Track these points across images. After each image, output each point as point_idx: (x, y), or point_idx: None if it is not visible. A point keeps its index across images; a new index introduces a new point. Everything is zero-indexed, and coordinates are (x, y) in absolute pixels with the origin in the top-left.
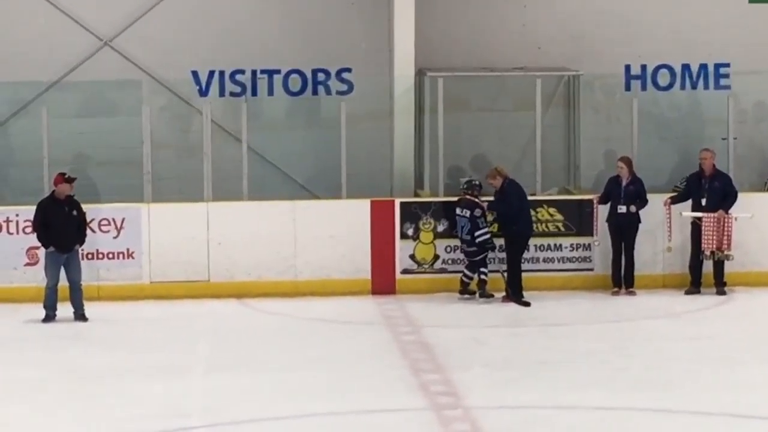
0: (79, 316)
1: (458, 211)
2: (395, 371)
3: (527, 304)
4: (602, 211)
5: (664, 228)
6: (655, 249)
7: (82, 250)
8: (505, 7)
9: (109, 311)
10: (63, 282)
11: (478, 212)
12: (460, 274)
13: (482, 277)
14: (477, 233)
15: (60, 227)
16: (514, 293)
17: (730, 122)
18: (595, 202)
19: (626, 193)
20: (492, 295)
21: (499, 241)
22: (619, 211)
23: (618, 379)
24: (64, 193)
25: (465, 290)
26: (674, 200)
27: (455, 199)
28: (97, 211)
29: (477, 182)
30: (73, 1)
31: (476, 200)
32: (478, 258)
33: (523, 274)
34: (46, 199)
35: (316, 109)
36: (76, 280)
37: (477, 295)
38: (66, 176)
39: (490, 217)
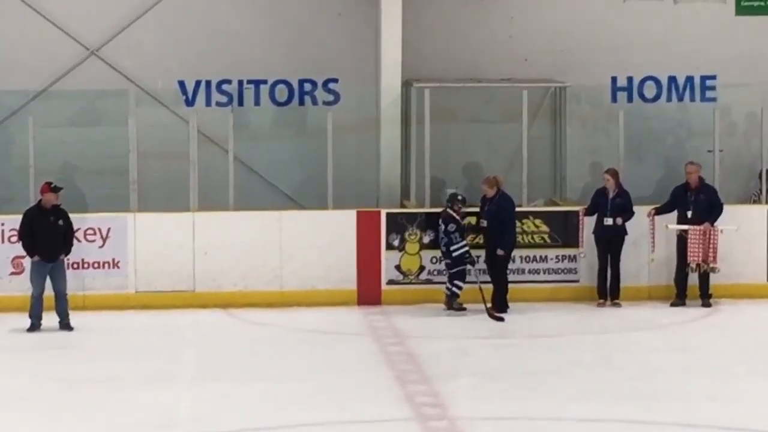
0: (64, 325)
1: (439, 223)
2: (381, 382)
3: (501, 320)
4: (588, 223)
5: (647, 239)
6: (641, 261)
7: (68, 259)
8: (492, 18)
9: (94, 321)
10: (49, 291)
11: (452, 227)
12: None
13: (454, 290)
14: (452, 248)
15: (45, 236)
16: (500, 305)
17: (716, 134)
18: (581, 213)
19: (613, 206)
20: (463, 308)
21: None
22: (605, 223)
23: (604, 391)
24: (50, 202)
25: (451, 303)
26: (658, 211)
27: (440, 210)
28: (83, 221)
29: (460, 197)
30: (61, 10)
31: (453, 215)
32: (452, 271)
33: (509, 286)
34: (32, 208)
35: (302, 120)
36: (61, 290)
37: (446, 307)
38: (52, 185)
39: (468, 235)
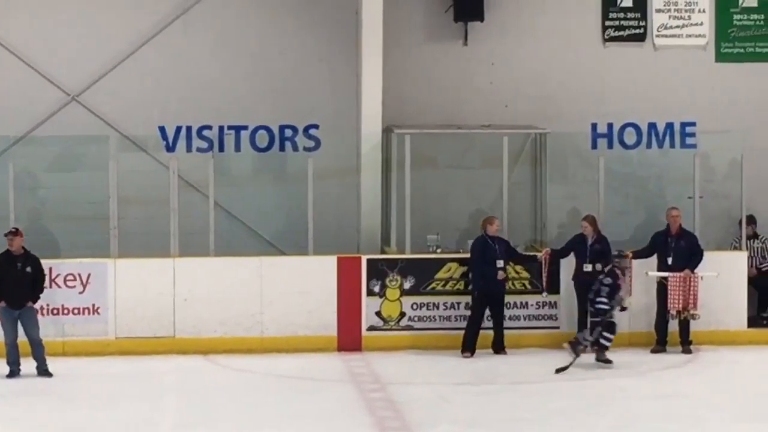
0: (43, 371)
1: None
2: (361, 429)
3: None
4: (564, 267)
5: (625, 282)
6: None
7: (47, 305)
8: (473, 64)
9: (74, 367)
10: (25, 337)
11: (607, 281)
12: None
13: (601, 341)
14: (597, 299)
15: (11, 283)
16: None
17: (696, 181)
18: (544, 256)
19: (592, 252)
20: (609, 361)
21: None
22: (584, 269)
23: None
24: (17, 246)
25: (600, 356)
26: (636, 254)
27: (427, 256)
28: (63, 266)
29: (616, 252)
30: (41, 56)
31: (616, 271)
32: (598, 320)
33: (488, 332)
34: (1, 254)
35: (283, 165)
36: (33, 336)
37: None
38: (7, 232)
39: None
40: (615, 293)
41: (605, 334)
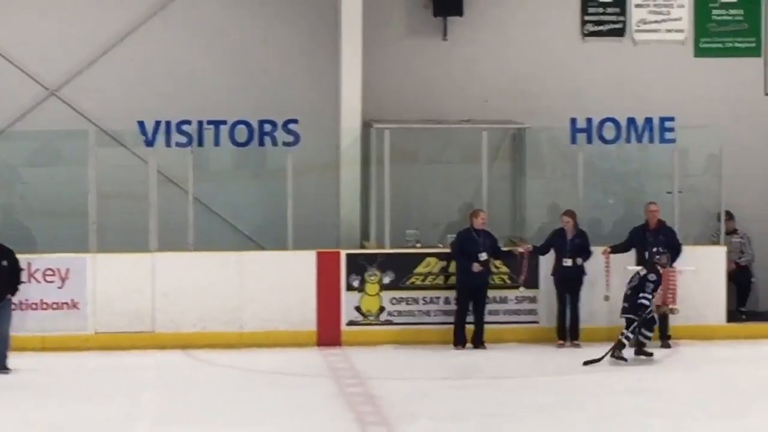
0: (1, 367)
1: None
2: (341, 424)
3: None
4: (543, 262)
5: (603, 277)
6: (599, 301)
7: (26, 300)
8: (452, 60)
9: (53, 362)
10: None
11: (652, 277)
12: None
13: (641, 339)
14: (641, 294)
15: None
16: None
17: (675, 176)
18: (523, 251)
19: (572, 246)
20: (650, 353)
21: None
22: (564, 264)
23: None
24: None
25: (639, 350)
26: (614, 250)
27: (406, 251)
28: (41, 261)
29: (655, 249)
30: (20, 51)
31: (657, 268)
32: (625, 315)
33: (469, 326)
34: None
35: (262, 160)
36: (3, 332)
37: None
38: None
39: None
40: (657, 290)
41: (644, 331)
